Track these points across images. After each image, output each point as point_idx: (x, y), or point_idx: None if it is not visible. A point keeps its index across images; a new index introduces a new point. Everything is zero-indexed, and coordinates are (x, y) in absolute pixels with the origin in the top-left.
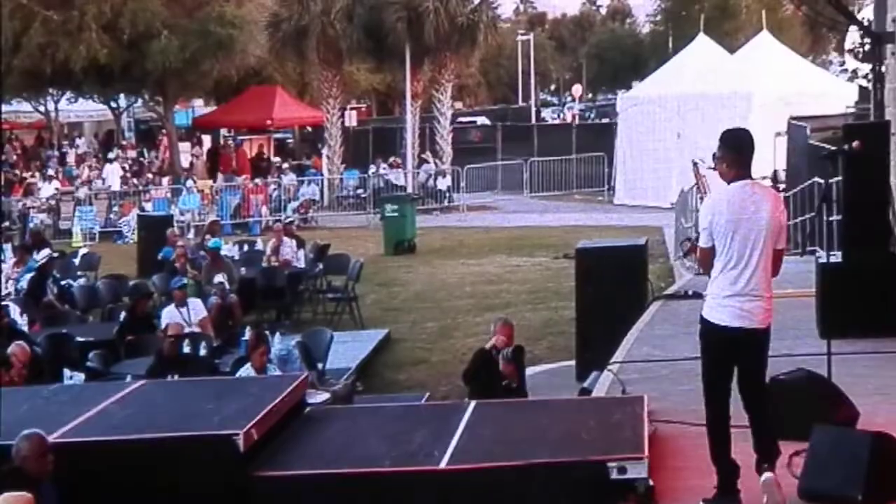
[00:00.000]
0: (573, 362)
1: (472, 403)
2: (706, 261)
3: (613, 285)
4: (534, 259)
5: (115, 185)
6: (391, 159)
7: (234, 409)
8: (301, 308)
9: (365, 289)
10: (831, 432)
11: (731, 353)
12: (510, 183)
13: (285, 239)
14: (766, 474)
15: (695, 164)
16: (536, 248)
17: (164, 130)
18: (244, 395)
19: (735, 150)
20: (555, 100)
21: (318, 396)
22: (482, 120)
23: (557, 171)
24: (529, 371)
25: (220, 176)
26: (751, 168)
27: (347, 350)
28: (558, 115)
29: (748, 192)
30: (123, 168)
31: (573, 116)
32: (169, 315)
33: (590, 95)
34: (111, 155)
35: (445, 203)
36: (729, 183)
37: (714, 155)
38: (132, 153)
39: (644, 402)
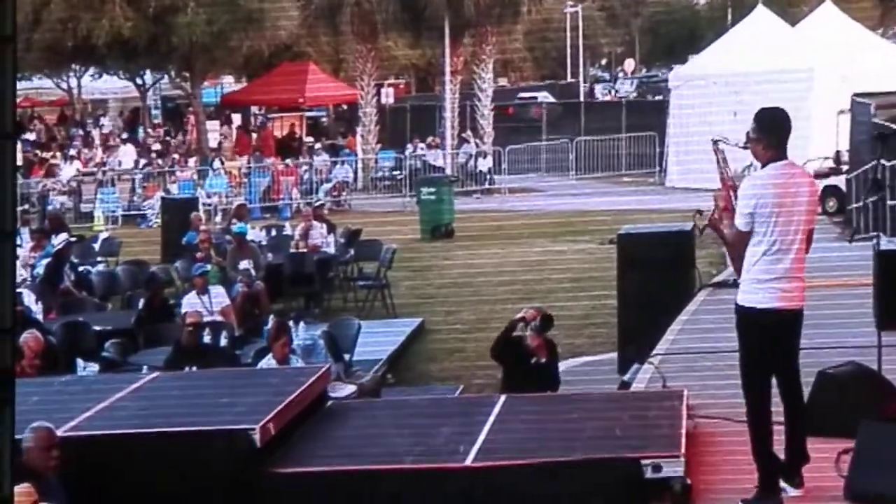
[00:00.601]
0: (615, 354)
1: (503, 397)
2: (741, 244)
3: (658, 273)
4: (578, 245)
5: (129, 167)
6: (429, 139)
7: (251, 402)
8: (331, 296)
9: (399, 275)
10: (880, 429)
11: (774, 336)
12: (555, 164)
13: (315, 223)
14: (797, 492)
15: (715, 142)
16: (581, 234)
17: (191, 108)
18: (262, 387)
19: (772, 132)
20: (606, 75)
21: (344, 390)
22: (544, 96)
23: (605, 151)
24: (569, 363)
25: (246, 158)
26: (786, 149)
27: (378, 340)
28: (610, 92)
29: (788, 174)
30: (145, 148)
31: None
32: (189, 303)
33: (644, 71)
34: (125, 135)
35: (486, 185)
36: (764, 165)
37: (748, 134)
38: (159, 132)
39: (684, 396)
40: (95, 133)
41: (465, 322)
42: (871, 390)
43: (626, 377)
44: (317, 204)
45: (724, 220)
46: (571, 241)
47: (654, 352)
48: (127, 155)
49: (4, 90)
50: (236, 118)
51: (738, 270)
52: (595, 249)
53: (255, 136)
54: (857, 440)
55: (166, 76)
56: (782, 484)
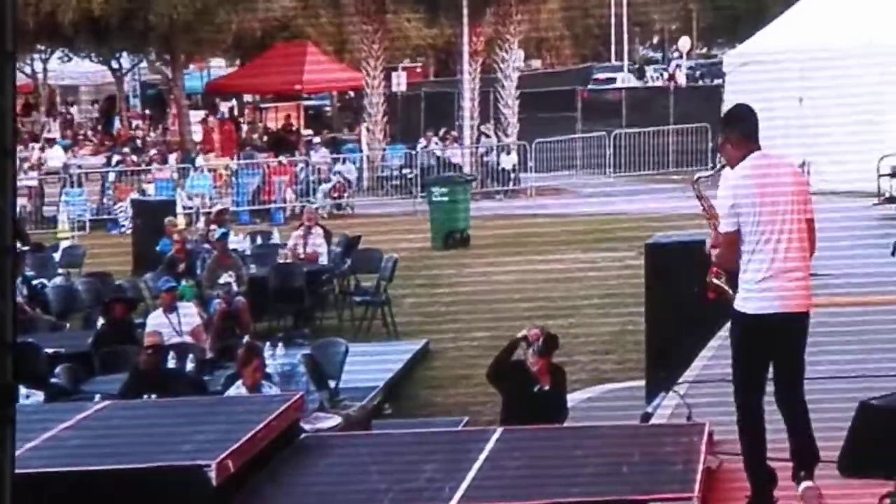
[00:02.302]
0: (644, 382)
1: (498, 431)
2: (732, 250)
3: (692, 288)
4: (614, 254)
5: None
6: (443, 131)
7: (208, 435)
8: (323, 314)
9: (403, 290)
10: None
11: (769, 343)
12: (590, 160)
13: (315, 229)
14: (805, 484)
15: (694, 183)
16: (619, 241)
17: (172, 96)
18: (224, 418)
19: (736, 125)
20: (658, 55)
21: (327, 421)
22: (623, 78)
23: (649, 145)
24: (593, 391)
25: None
26: (758, 141)
27: (374, 365)
28: (662, 76)
29: (764, 164)
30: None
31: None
32: (154, 322)
33: (704, 50)
34: (52, 134)
35: (510, 185)
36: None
37: (719, 145)
38: (137, 128)
39: (705, 430)
40: (55, 124)
41: (476, 345)
42: None
43: (650, 408)
44: (315, 207)
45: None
46: (606, 251)
47: (682, 378)
48: (56, 159)
49: (4, 106)
50: (226, 108)
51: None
52: (633, 260)
53: (245, 128)
54: None
55: (145, 59)
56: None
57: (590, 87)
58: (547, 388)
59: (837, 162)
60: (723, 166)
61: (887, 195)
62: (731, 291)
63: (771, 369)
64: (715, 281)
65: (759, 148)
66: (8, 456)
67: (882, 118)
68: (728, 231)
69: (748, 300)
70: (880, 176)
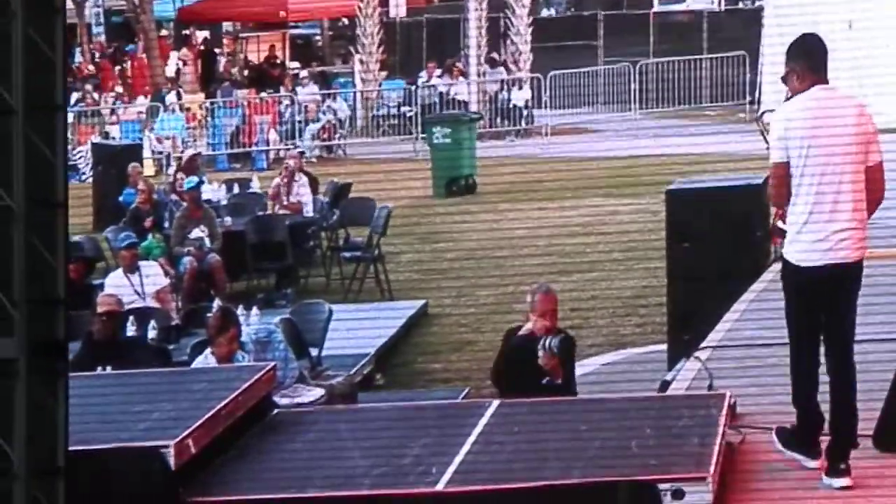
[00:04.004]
0: (666, 346)
1: (495, 403)
2: (780, 184)
3: (718, 242)
4: (639, 202)
5: None
6: (447, 63)
7: (168, 412)
8: (309, 272)
9: (400, 244)
10: None
11: (821, 296)
12: (613, 95)
13: (299, 176)
14: (842, 481)
15: (759, 117)
16: (645, 187)
17: (140, 25)
18: (186, 393)
19: (802, 57)
20: None
21: (307, 394)
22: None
23: (681, 77)
24: (611, 358)
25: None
26: (826, 74)
27: (366, 329)
28: None
29: (825, 97)
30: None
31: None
32: (113, 284)
33: None
34: None
35: (522, 124)
36: None
37: (782, 79)
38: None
39: (725, 401)
40: None
41: (481, 305)
42: None
43: (669, 376)
44: (298, 150)
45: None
46: (630, 198)
47: (705, 342)
48: None
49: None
50: (201, 38)
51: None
52: (659, 209)
53: (223, 61)
54: None
55: None
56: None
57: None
58: (559, 381)
59: (891, 93)
60: (787, 99)
61: None
62: None
63: None
64: (780, 225)
65: (826, 81)
66: (62, 409)
67: None
68: (777, 162)
69: (792, 244)
70: None
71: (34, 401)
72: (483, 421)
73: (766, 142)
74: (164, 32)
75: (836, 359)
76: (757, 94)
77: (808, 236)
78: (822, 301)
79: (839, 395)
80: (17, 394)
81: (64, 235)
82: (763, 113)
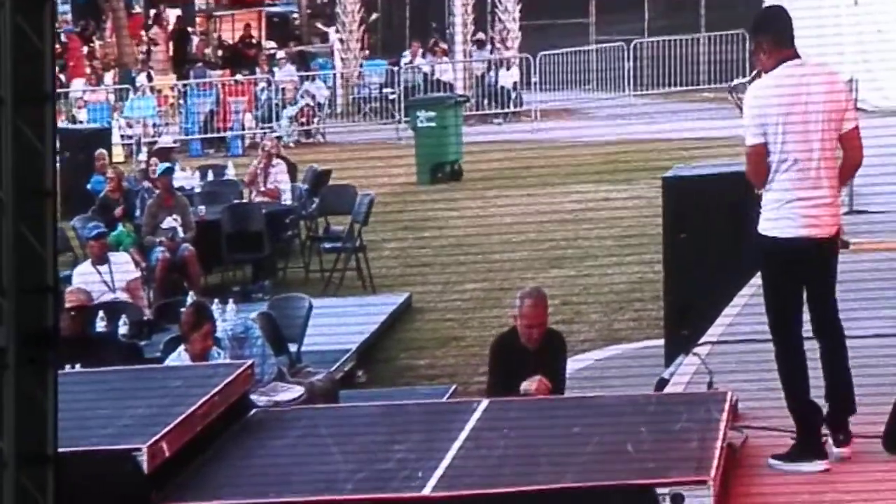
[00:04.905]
0: (663, 341)
1: (484, 403)
2: (759, 163)
3: (717, 232)
4: (633, 188)
5: None
6: (431, 42)
7: (140, 413)
8: (287, 263)
9: (383, 234)
10: None
11: (800, 270)
12: (606, 76)
13: (277, 161)
14: (841, 451)
15: (731, 90)
16: (638, 173)
17: (108, 2)
18: (160, 393)
19: (770, 31)
20: None
21: (287, 393)
22: None
23: (677, 56)
24: (604, 353)
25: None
26: (794, 47)
27: (348, 324)
28: None
29: (798, 72)
30: None
31: None
32: (81, 277)
33: None
34: None
35: (510, 107)
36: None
37: (750, 52)
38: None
39: (726, 400)
40: None
41: (468, 298)
42: None
43: (667, 374)
44: (275, 135)
45: None
46: (624, 184)
47: (704, 338)
48: None
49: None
50: (173, 16)
51: None
52: (654, 196)
53: (196, 41)
54: None
55: None
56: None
57: None
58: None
59: None
60: (757, 74)
61: None
62: None
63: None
64: None
65: (794, 54)
66: (51, 400)
67: None
68: (754, 144)
69: (771, 221)
70: None
71: (23, 390)
72: (471, 421)
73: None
74: (137, 10)
75: (827, 325)
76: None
77: (796, 211)
78: (812, 273)
79: (835, 363)
80: (6, 383)
81: (53, 225)
82: (736, 85)
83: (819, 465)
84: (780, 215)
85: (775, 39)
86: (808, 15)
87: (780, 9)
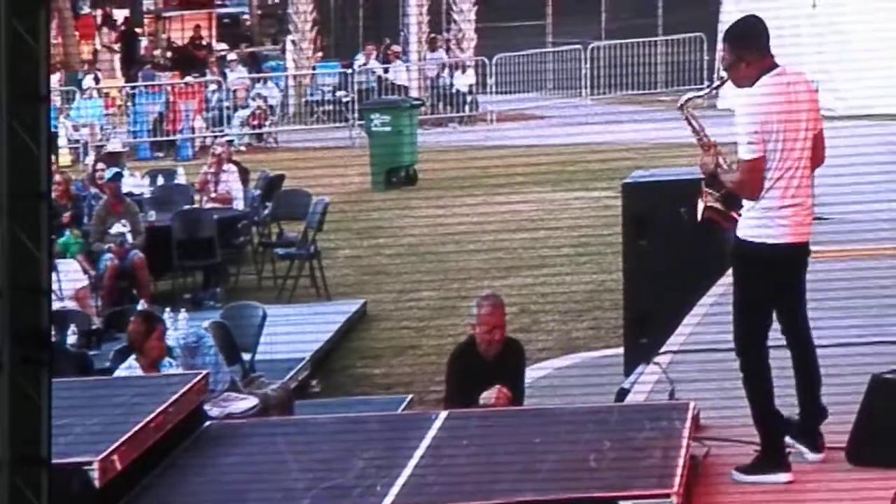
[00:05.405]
0: (622, 350)
1: (443, 415)
2: (758, 178)
3: (679, 238)
4: (590, 194)
5: None
6: (385, 45)
7: (90, 426)
8: (239, 269)
9: (337, 240)
10: None
11: (786, 277)
12: (563, 79)
13: (228, 166)
14: (815, 457)
15: (682, 106)
16: (595, 178)
17: (54, 1)
18: (110, 405)
19: (748, 42)
20: None
21: (240, 403)
22: None
23: (634, 60)
24: (562, 362)
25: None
26: (772, 54)
27: (301, 332)
28: None
29: (784, 80)
30: None
31: None
32: None
33: None
34: None
35: (465, 111)
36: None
37: (723, 62)
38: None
39: (689, 411)
40: None
41: (424, 306)
42: None
43: (627, 384)
44: (226, 138)
45: (722, 174)
46: (581, 189)
47: (665, 347)
48: None
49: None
50: (120, 16)
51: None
52: (613, 201)
53: (145, 42)
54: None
55: None
56: (800, 447)
57: None
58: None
59: (857, 79)
60: (718, 86)
61: None
62: (734, 214)
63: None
64: (713, 204)
65: (775, 63)
66: (45, 401)
67: None
68: (754, 158)
69: (764, 227)
70: None
71: (18, 391)
72: (431, 433)
73: (694, 131)
74: (85, 10)
75: (802, 337)
76: (716, 77)
77: (789, 218)
78: (794, 279)
79: (810, 371)
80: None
81: (47, 226)
82: (689, 99)
83: (783, 477)
84: (775, 222)
85: (758, 48)
86: (767, 18)
87: (757, 19)
